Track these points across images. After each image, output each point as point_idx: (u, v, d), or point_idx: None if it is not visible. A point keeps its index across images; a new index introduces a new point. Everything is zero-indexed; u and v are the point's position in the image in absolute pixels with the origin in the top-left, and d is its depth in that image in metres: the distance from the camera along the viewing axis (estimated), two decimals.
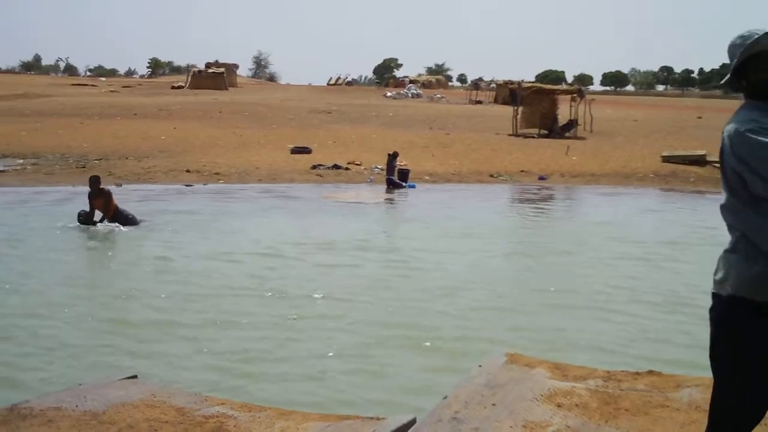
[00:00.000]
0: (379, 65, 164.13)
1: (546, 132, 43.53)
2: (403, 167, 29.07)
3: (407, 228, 20.10)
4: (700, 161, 33.45)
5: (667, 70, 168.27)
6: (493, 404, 5.47)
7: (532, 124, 44.46)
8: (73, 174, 27.26)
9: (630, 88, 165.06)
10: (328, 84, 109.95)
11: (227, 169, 29.37)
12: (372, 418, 5.60)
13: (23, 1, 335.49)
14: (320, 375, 8.68)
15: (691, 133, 44.20)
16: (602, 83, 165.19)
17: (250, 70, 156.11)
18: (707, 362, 3.74)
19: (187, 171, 28.69)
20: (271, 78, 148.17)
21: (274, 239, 16.87)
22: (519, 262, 16.02)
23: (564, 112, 45.73)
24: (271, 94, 72.72)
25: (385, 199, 24.95)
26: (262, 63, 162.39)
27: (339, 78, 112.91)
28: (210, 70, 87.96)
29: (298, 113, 51.33)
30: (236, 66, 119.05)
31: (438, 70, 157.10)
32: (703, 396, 5.36)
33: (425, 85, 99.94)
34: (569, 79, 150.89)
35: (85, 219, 17.87)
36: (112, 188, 19.59)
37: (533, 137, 42.18)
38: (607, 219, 22.22)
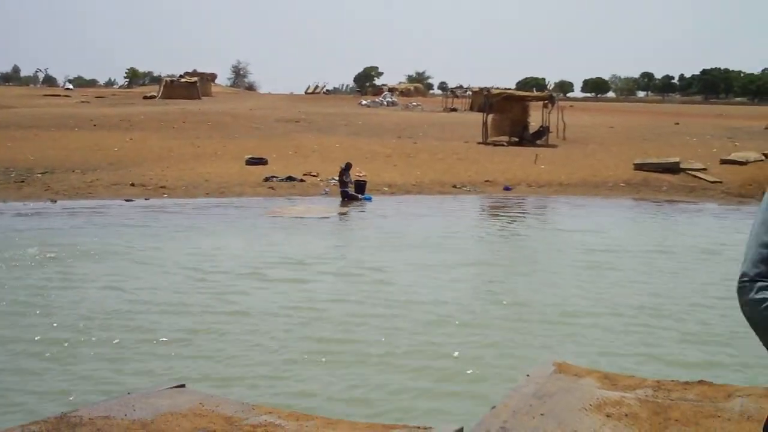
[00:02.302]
0: (359, 74, 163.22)
1: (516, 140, 42.15)
2: (360, 178, 27.69)
3: (353, 246, 19.01)
4: (673, 169, 32.15)
5: (647, 76, 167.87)
6: (542, 414, 5.39)
7: (503, 131, 43.07)
8: (9, 189, 25.70)
9: (611, 94, 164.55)
10: (305, 92, 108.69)
11: (174, 182, 27.87)
12: (419, 428, 5.46)
13: (1, 11, 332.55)
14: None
15: (667, 140, 42.91)
16: (583, 90, 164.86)
17: (228, 79, 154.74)
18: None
19: (132, 185, 27.17)
20: (250, 87, 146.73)
21: (163, 265, 15.67)
22: (469, 276, 15.30)
23: (537, 119, 44.32)
24: (243, 103, 71.14)
25: (337, 214, 23.57)
26: (241, 72, 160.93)
27: (317, 86, 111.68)
28: (183, 80, 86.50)
29: (264, 122, 49.83)
30: (214, 75, 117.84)
31: (418, 78, 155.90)
32: (755, 406, 5.40)
33: (404, 93, 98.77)
34: (550, 86, 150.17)
35: None
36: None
37: (503, 145, 40.82)
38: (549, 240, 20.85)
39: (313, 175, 29.85)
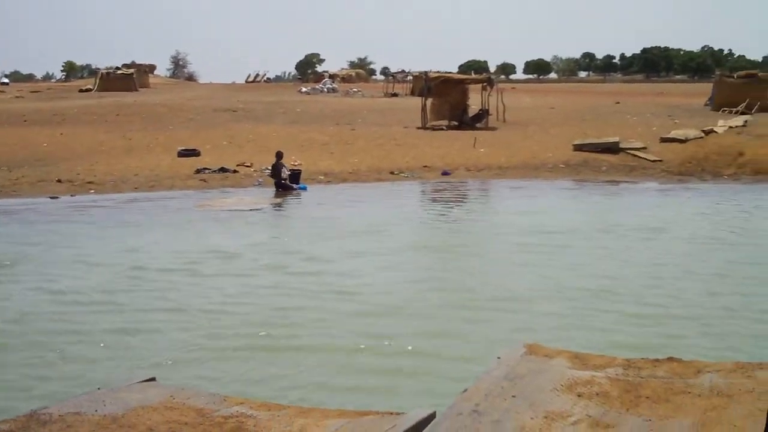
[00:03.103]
0: (300, 61, 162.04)
1: (456, 123, 41.60)
2: (295, 167, 26.98)
3: (286, 236, 18.62)
4: (612, 149, 31.84)
5: (588, 56, 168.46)
6: (513, 396, 5.28)
7: (442, 115, 42.47)
8: None
9: (553, 75, 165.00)
10: (246, 81, 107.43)
11: (103, 177, 26.94)
12: (392, 413, 5.36)
13: None
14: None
15: (607, 120, 42.57)
16: (525, 72, 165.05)
17: (168, 70, 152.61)
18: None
19: (59, 181, 26.22)
20: (190, 77, 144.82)
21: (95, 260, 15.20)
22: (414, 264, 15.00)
23: (478, 102, 43.78)
24: (180, 94, 69.95)
25: (270, 204, 22.87)
26: (180, 63, 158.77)
27: (257, 75, 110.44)
28: (119, 72, 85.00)
29: (200, 113, 48.73)
30: (153, 67, 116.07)
31: (360, 64, 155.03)
32: (725, 381, 5.40)
33: (345, 79, 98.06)
34: (492, 68, 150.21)
35: None
36: None
37: (442, 129, 40.25)
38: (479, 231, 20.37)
39: (247, 166, 29.07)
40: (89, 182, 26.12)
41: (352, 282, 13.47)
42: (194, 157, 30.80)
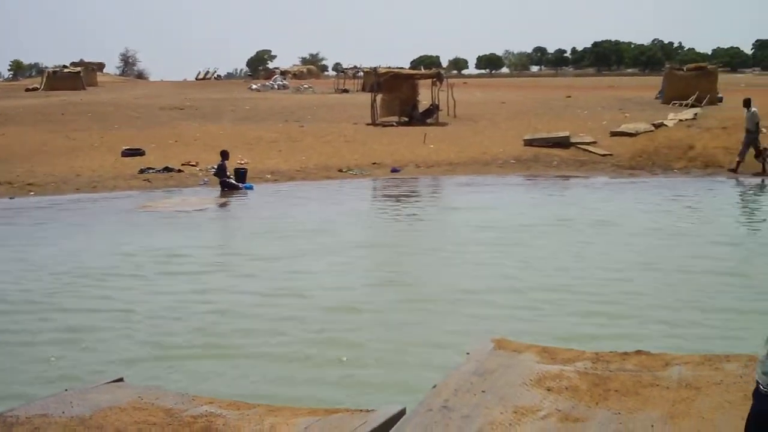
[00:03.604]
0: (251, 58, 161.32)
1: (406, 119, 41.22)
2: (242, 166, 26.46)
3: (231, 236, 18.51)
4: (563, 143, 31.64)
5: (540, 50, 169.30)
6: (483, 391, 5.44)
7: (392, 111, 42.07)
8: None
9: (505, 70, 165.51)
10: (196, 79, 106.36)
11: (44, 178, 26.19)
12: (361, 410, 5.47)
13: None
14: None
15: (558, 114, 42.37)
16: (477, 66, 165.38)
17: (117, 68, 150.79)
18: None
19: None
20: (140, 75, 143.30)
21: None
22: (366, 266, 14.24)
23: (428, 97, 43.41)
24: (128, 92, 68.94)
25: (215, 205, 22.38)
26: (130, 60, 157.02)
27: (207, 72, 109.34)
28: (66, 70, 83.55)
29: (147, 111, 47.86)
30: (102, 65, 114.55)
31: (312, 60, 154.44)
32: (693, 374, 5.60)
33: (297, 75, 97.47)
34: (444, 63, 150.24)
35: None
36: None
37: (392, 125, 39.83)
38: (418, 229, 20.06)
39: (192, 165, 28.47)
40: (29, 184, 25.38)
41: (301, 281, 13.21)
42: (139, 157, 30.14)
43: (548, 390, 5.46)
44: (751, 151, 26.68)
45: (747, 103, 27.41)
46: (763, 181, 25.25)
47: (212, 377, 8.83)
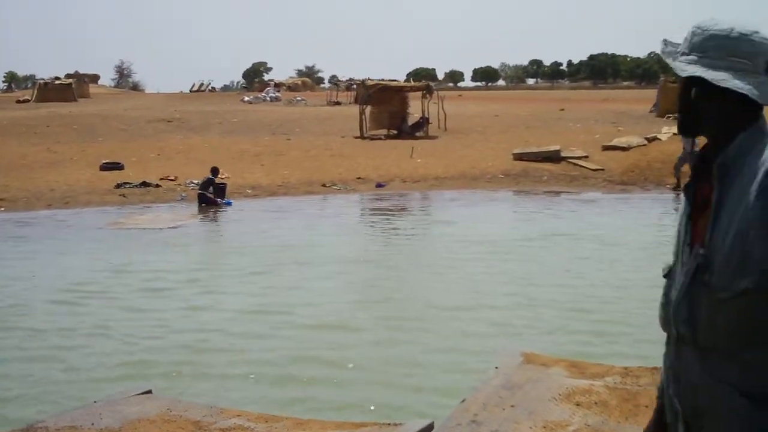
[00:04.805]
0: (248, 69, 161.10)
1: (395, 132, 40.49)
2: (221, 181, 25.69)
3: (204, 256, 17.74)
4: (553, 157, 30.86)
5: (536, 63, 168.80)
6: (512, 405, 5.34)
7: (382, 124, 41.38)
8: None
9: (501, 83, 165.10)
10: (190, 90, 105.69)
11: (16, 193, 25.34)
12: (389, 424, 5.47)
13: None
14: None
15: (550, 128, 41.66)
16: (473, 79, 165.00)
17: (112, 80, 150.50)
18: None
19: None
20: (135, 87, 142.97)
21: None
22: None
23: (419, 110, 42.63)
24: (119, 104, 68.19)
25: (190, 221, 21.62)
26: (125, 72, 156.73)
27: (202, 84, 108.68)
28: (58, 82, 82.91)
29: (134, 123, 47.09)
30: (96, 76, 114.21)
31: (308, 72, 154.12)
32: None
33: (291, 88, 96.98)
34: (440, 75, 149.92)
35: None
36: None
37: (380, 139, 39.11)
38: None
39: (171, 179, 27.63)
40: (0, 199, 24.57)
41: (278, 298, 12.98)
42: (118, 171, 29.31)
43: (577, 405, 5.43)
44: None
45: None
46: None
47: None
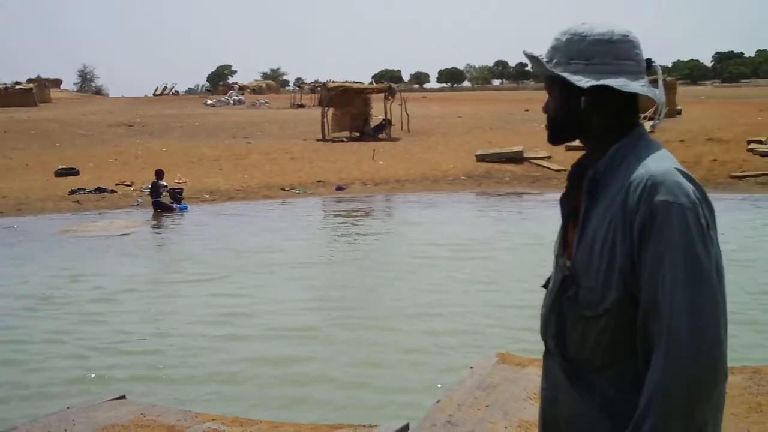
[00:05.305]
0: (212, 73, 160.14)
1: (358, 134, 40.14)
2: (179, 186, 25.20)
3: (158, 262, 17.31)
4: (516, 158, 30.67)
5: (501, 64, 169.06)
6: (487, 405, 5.38)
7: (344, 126, 41.05)
8: None
9: (467, 84, 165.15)
10: (154, 94, 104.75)
11: None
12: (364, 426, 5.43)
13: None
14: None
15: (514, 128, 41.55)
16: (439, 80, 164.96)
17: (75, 84, 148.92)
18: None
19: None
20: (98, 91, 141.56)
21: None
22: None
23: (383, 111, 42.31)
24: (80, 109, 67.28)
25: (144, 227, 21.17)
26: (88, 76, 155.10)
27: (165, 87, 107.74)
28: (18, 87, 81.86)
29: (94, 128, 46.41)
30: (59, 81, 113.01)
31: (273, 75, 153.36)
32: None
33: (255, 90, 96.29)
34: (406, 77, 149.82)
35: None
36: None
37: (342, 141, 38.75)
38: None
39: (127, 185, 27.09)
40: None
41: (241, 302, 12.72)
42: (73, 177, 28.75)
43: None
44: None
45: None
46: None
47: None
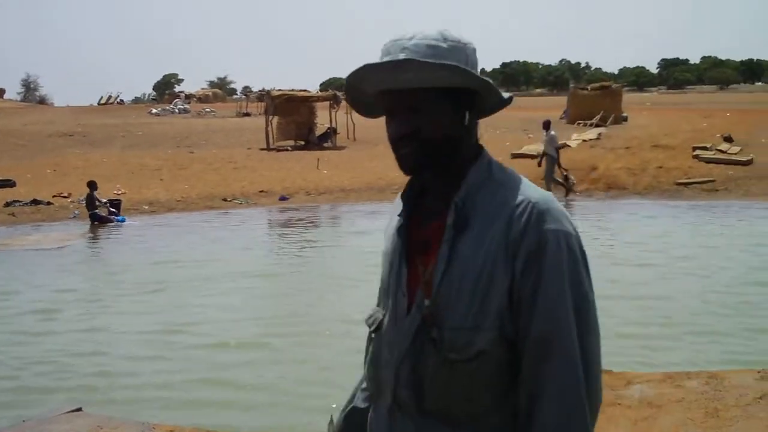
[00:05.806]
0: (158, 82, 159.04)
1: (303, 143, 39.74)
2: (117, 197, 24.61)
3: (93, 275, 16.77)
4: None
5: None
6: None
7: (289, 135, 40.65)
8: None
9: None
10: (98, 103, 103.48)
11: None
12: None
13: None
14: None
15: None
16: None
17: (18, 93, 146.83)
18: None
19: None
20: (42, 101, 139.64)
21: None
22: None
23: (327, 120, 41.96)
24: (21, 118, 66.09)
25: (80, 240, 20.56)
26: (32, 86, 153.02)
27: (110, 97, 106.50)
28: None
29: (34, 139, 45.51)
30: (2, 90, 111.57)
31: (220, 83, 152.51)
32: (654, 392, 5.70)
33: (202, 99, 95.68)
34: None
35: None
36: None
37: (287, 150, 38.33)
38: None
39: (64, 197, 26.42)
40: None
41: (181, 316, 12.43)
42: (9, 188, 28.01)
43: None
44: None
45: (546, 126, 26.46)
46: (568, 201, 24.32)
47: None
